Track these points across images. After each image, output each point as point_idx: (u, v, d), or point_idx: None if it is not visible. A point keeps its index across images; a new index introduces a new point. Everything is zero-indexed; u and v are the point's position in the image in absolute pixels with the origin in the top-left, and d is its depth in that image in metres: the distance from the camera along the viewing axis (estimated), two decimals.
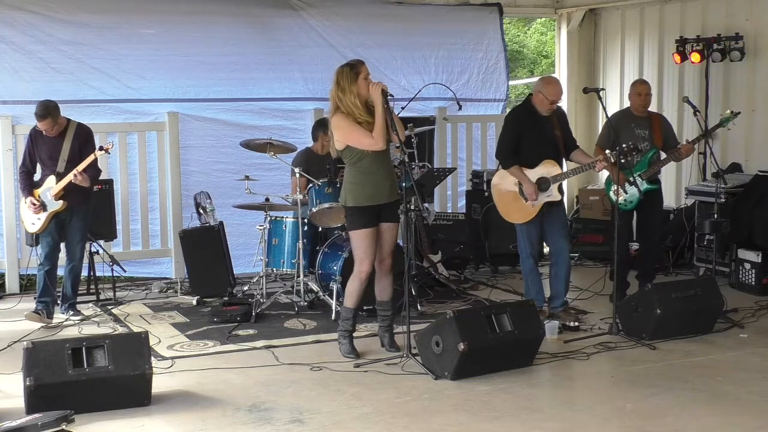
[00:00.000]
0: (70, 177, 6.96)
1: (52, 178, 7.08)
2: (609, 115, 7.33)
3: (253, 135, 8.45)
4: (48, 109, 6.97)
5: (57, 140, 7.08)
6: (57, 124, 7.03)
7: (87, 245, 7.73)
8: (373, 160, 6.00)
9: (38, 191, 7.13)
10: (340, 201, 6.32)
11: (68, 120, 7.18)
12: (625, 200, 7.43)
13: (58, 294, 7.36)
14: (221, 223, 8.24)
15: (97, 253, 7.88)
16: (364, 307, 7.03)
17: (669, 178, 10.04)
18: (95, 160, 7.08)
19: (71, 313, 7.32)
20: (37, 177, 7.25)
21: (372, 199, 6.04)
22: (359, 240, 6.06)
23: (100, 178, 8.32)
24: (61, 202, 7.07)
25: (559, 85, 7.03)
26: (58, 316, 7.29)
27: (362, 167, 6.02)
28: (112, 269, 7.96)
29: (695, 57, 9.18)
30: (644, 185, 7.48)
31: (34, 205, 7.06)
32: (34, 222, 7.14)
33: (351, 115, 5.97)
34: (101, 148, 7.09)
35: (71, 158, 7.06)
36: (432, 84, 9.34)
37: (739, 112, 8.01)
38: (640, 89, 7.62)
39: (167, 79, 8.86)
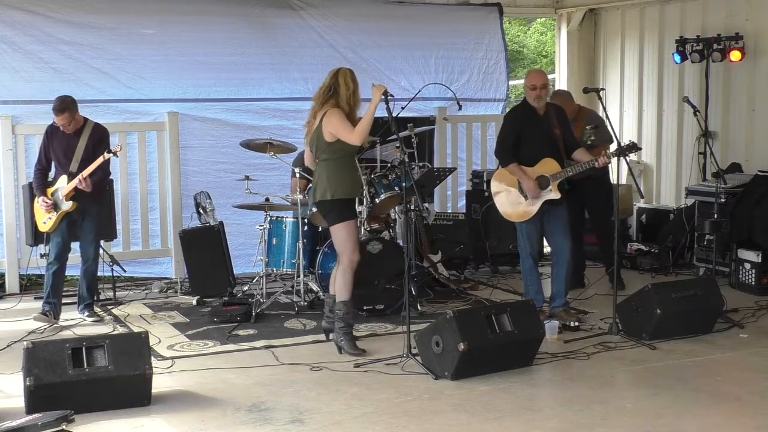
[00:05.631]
0: (75, 182, 6.91)
1: (64, 178, 7.02)
2: (608, 115, 7.34)
3: (253, 135, 8.45)
4: (65, 104, 6.93)
5: (73, 138, 7.03)
6: (74, 120, 6.98)
7: None
8: (353, 157, 6.25)
9: (50, 190, 7.09)
10: (317, 197, 6.24)
11: (86, 119, 7.13)
12: None
13: (72, 294, 7.36)
14: (221, 223, 8.25)
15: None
16: (364, 307, 7.04)
17: (669, 178, 10.07)
18: (104, 163, 6.98)
19: (87, 314, 7.28)
20: (52, 174, 7.21)
21: (356, 192, 6.29)
22: (349, 231, 6.17)
23: None
24: (71, 203, 7.00)
25: (537, 73, 7.12)
26: (74, 316, 7.27)
27: (346, 162, 6.18)
28: (112, 269, 7.96)
29: (695, 57, 9.18)
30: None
31: (46, 203, 7.02)
32: (45, 221, 7.10)
33: (344, 113, 6.12)
34: (109, 151, 6.98)
35: (85, 158, 7.00)
36: (432, 84, 9.32)
37: (597, 126, 7.73)
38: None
39: (167, 79, 8.86)
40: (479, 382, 5.58)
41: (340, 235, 6.18)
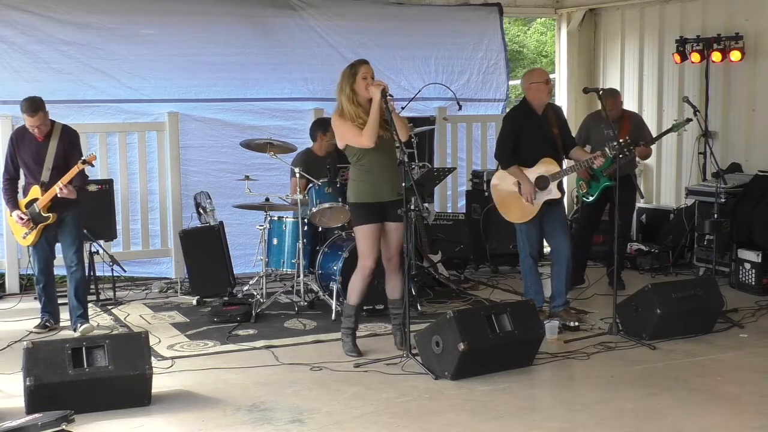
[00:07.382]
0: (55, 191, 6.55)
1: (36, 189, 6.68)
2: (608, 114, 7.34)
3: (253, 135, 8.45)
4: (38, 103, 6.59)
5: (42, 144, 6.68)
6: (46, 123, 6.67)
7: (87, 245, 7.72)
8: (374, 159, 6.05)
9: (23, 202, 6.77)
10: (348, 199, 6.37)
11: (53, 122, 6.78)
12: (587, 193, 7.90)
13: (64, 294, 7.33)
14: (221, 223, 8.25)
15: (97, 253, 7.87)
16: (364, 307, 7.03)
17: (669, 178, 10.07)
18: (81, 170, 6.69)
19: (85, 326, 6.84)
20: (21, 182, 6.94)
21: (373, 197, 6.10)
22: (362, 236, 6.11)
23: (100, 178, 8.38)
24: (51, 214, 6.67)
25: (541, 69, 7.22)
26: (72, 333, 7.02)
27: (363, 165, 6.10)
28: (112, 269, 7.96)
29: (695, 57, 9.18)
30: (604, 181, 7.74)
31: (22, 219, 6.70)
32: (25, 235, 6.81)
33: (346, 115, 6.03)
34: (84, 161, 6.58)
35: (56, 164, 6.66)
36: (432, 84, 9.33)
37: (691, 119, 8.40)
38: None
39: (167, 79, 8.85)
40: (479, 382, 5.58)
41: (356, 238, 6.21)
